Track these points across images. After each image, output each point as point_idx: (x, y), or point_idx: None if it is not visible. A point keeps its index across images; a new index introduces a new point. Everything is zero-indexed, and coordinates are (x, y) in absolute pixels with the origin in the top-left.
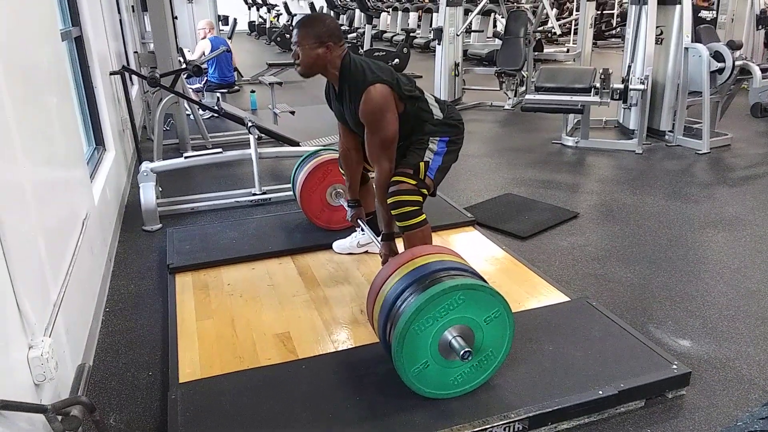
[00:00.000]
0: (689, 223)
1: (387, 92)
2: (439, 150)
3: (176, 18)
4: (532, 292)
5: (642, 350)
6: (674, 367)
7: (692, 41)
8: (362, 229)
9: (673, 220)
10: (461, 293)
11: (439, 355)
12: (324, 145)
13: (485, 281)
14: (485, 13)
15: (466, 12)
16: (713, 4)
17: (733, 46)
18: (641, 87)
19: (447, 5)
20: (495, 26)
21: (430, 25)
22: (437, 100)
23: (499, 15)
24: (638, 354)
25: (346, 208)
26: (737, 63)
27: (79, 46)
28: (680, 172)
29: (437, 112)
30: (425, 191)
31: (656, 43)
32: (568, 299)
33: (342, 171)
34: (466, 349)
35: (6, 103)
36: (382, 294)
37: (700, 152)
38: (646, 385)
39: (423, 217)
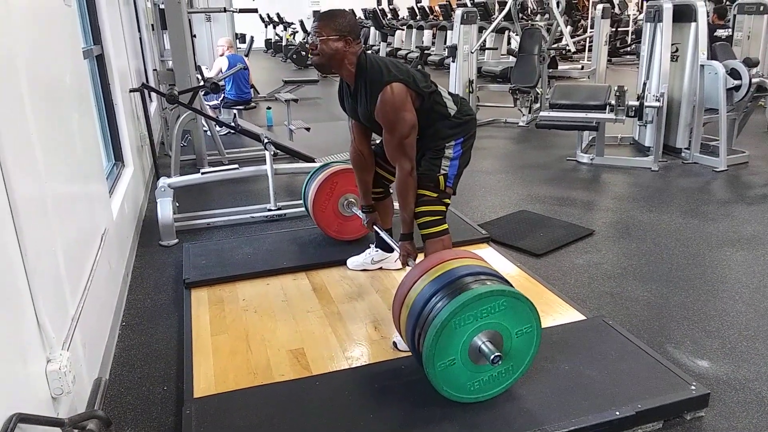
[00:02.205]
0: (707, 242)
1: (403, 91)
2: (455, 155)
3: (195, 36)
4: (547, 310)
5: (659, 370)
6: (693, 388)
7: (708, 58)
8: (374, 245)
9: (690, 238)
10: (505, 300)
11: (467, 356)
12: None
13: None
14: (499, 30)
15: (481, 29)
16: (729, 21)
17: (750, 63)
18: (657, 104)
19: (461, 23)
20: (509, 43)
21: (445, 43)
22: (450, 94)
23: (514, 32)
24: (656, 374)
25: (361, 215)
26: (754, 80)
27: (100, 64)
28: (697, 189)
29: (451, 105)
30: (447, 201)
31: (672, 60)
32: (583, 318)
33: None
34: (497, 353)
35: (29, 119)
36: (420, 285)
37: (717, 170)
38: (664, 406)
39: (445, 226)
